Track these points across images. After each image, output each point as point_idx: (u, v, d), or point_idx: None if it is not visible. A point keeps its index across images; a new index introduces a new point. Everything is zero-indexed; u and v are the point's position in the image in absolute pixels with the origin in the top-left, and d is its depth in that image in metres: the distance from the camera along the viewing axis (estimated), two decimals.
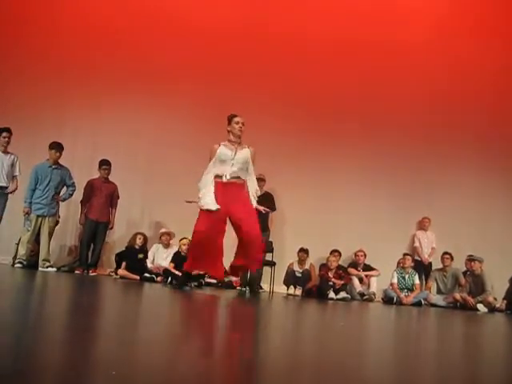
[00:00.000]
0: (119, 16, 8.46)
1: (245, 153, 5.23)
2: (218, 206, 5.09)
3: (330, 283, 7.15)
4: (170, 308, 3.72)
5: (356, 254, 7.85)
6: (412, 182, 8.47)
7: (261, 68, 8.38)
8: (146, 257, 7.42)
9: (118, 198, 7.44)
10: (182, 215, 8.00)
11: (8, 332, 1.63)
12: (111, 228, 7.48)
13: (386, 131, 8.47)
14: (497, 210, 8.48)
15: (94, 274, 7.11)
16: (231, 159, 5.16)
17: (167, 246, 7.52)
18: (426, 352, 2.33)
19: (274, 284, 7.55)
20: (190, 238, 7.31)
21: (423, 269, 8.15)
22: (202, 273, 6.36)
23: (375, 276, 7.68)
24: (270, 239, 7.57)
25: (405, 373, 1.64)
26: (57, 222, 7.10)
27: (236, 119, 5.25)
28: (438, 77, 8.62)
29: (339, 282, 7.18)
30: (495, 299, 7.52)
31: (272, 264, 7.49)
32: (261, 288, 7.38)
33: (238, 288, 7.09)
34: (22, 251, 6.75)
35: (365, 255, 7.80)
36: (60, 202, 7.09)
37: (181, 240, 7.27)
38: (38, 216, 6.82)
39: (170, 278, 6.97)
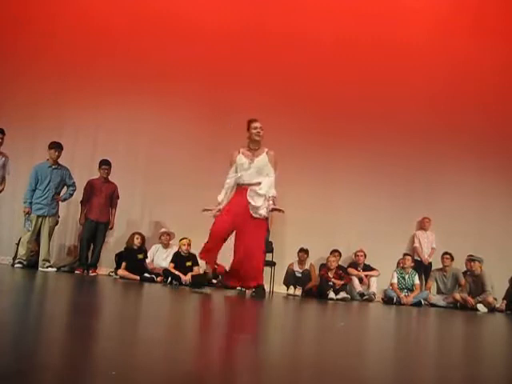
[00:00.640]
0: (119, 16, 8.45)
1: (262, 158, 5.20)
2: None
3: (330, 283, 7.15)
4: (170, 308, 3.72)
5: (356, 254, 7.85)
6: (412, 182, 8.47)
7: (261, 68, 8.37)
8: (145, 257, 7.42)
9: (118, 198, 7.44)
10: (181, 215, 8.03)
11: (8, 332, 1.63)
12: (111, 228, 7.47)
13: (386, 131, 8.47)
14: (497, 210, 8.48)
15: (93, 274, 7.10)
16: (248, 168, 5.16)
17: (167, 246, 7.52)
18: (426, 352, 2.33)
19: (273, 284, 7.55)
20: (189, 238, 7.35)
21: (423, 269, 8.15)
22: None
23: (375, 276, 7.68)
24: (270, 239, 7.57)
25: (405, 373, 1.64)
26: (56, 222, 7.09)
27: (254, 124, 5.22)
28: (437, 77, 8.62)
29: (339, 282, 7.18)
30: (495, 299, 7.52)
31: (272, 264, 7.49)
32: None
33: (237, 288, 7.08)
34: (22, 251, 6.74)
35: (365, 255, 7.80)
36: (59, 202, 7.08)
37: (180, 240, 7.27)
38: (38, 216, 6.81)
39: (169, 278, 6.97)
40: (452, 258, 7.85)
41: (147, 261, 7.37)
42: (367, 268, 7.77)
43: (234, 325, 2.82)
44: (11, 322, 1.84)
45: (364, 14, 8.59)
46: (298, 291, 7.22)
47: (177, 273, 7.00)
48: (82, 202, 7.36)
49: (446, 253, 7.91)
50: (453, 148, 8.55)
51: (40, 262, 6.79)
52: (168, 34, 8.39)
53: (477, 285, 7.60)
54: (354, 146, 8.42)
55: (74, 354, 1.37)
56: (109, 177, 7.38)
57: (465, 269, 7.95)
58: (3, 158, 6.77)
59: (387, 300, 7.52)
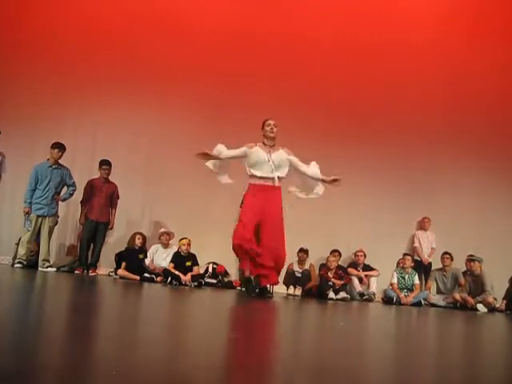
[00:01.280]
0: (119, 16, 8.44)
1: (280, 153, 5.39)
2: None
3: (330, 283, 7.15)
4: (170, 308, 3.72)
5: (356, 254, 7.84)
6: (412, 182, 8.47)
7: (261, 67, 8.37)
8: (146, 257, 7.42)
9: (118, 198, 7.43)
10: (181, 215, 8.03)
11: (8, 332, 1.63)
12: (111, 228, 7.47)
13: (386, 131, 8.46)
14: (497, 210, 8.48)
15: (93, 274, 7.10)
16: (267, 161, 5.30)
17: (166, 245, 7.52)
18: (426, 352, 2.33)
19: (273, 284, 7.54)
20: (189, 237, 7.35)
21: (423, 269, 8.15)
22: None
23: (375, 276, 7.67)
24: None
25: (405, 373, 1.64)
26: (56, 222, 7.09)
27: (267, 122, 5.45)
28: (437, 77, 8.62)
29: (339, 282, 7.18)
30: (495, 299, 7.52)
31: None
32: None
33: (237, 288, 7.09)
34: (21, 251, 6.74)
35: (364, 255, 7.79)
36: (59, 202, 7.08)
37: (180, 240, 7.27)
38: (38, 216, 6.81)
39: (169, 278, 6.97)
40: (452, 258, 7.85)
41: (146, 261, 7.36)
42: (367, 268, 7.77)
43: (234, 325, 2.82)
44: (11, 322, 1.84)
45: (364, 14, 8.58)
46: (298, 291, 7.22)
47: (177, 273, 7.00)
48: (82, 201, 7.36)
49: (445, 253, 7.91)
50: (453, 148, 8.54)
51: (40, 262, 6.79)
52: (168, 33, 8.38)
53: (477, 285, 7.60)
54: (353, 145, 8.41)
55: (74, 354, 1.37)
56: (109, 177, 7.38)
57: (465, 269, 7.94)
58: (0, 157, 6.78)
59: (387, 300, 7.52)
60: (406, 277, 7.65)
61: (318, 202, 8.36)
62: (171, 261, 7.16)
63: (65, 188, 7.11)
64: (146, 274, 7.17)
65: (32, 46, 8.22)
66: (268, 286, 5.53)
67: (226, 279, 7.57)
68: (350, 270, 7.73)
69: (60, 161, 7.01)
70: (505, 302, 7.53)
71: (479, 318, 5.92)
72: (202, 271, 7.38)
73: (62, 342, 1.60)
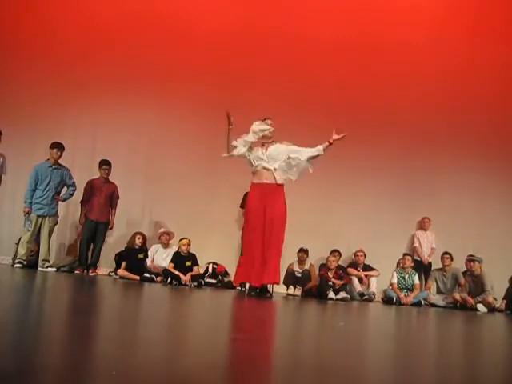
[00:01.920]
0: (119, 16, 8.44)
1: (277, 147, 5.70)
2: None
3: (330, 283, 7.15)
4: (170, 308, 3.72)
5: (356, 254, 7.84)
6: (412, 182, 8.46)
7: (261, 67, 8.36)
8: (146, 257, 7.41)
9: (118, 198, 7.43)
10: (181, 215, 8.04)
11: (8, 332, 1.63)
12: (111, 228, 7.47)
13: (386, 131, 8.45)
14: (497, 210, 8.48)
15: (93, 274, 7.10)
16: (263, 156, 5.62)
17: (166, 245, 7.51)
18: (426, 352, 2.33)
19: (273, 284, 7.53)
20: (189, 237, 7.35)
21: (423, 269, 8.15)
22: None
23: (375, 276, 7.67)
24: None
25: (404, 373, 1.64)
26: (56, 222, 7.09)
27: (265, 122, 5.77)
28: (437, 77, 8.61)
29: (339, 282, 7.18)
30: (495, 299, 7.52)
31: None
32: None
33: (237, 288, 7.09)
34: (21, 251, 6.74)
35: (364, 255, 7.79)
36: (59, 202, 7.08)
37: (180, 240, 7.27)
38: (38, 216, 6.81)
39: (169, 278, 6.97)
40: (452, 258, 7.84)
41: (148, 261, 7.36)
42: (367, 268, 7.77)
43: (234, 325, 2.82)
44: (11, 322, 1.84)
45: (364, 14, 8.57)
46: (298, 291, 7.22)
47: (177, 273, 7.00)
48: (81, 201, 7.36)
49: (445, 253, 7.91)
50: (453, 148, 8.54)
51: (40, 262, 6.79)
52: (168, 33, 8.38)
53: (476, 285, 7.60)
54: (353, 145, 8.38)
55: (74, 354, 1.37)
56: (109, 177, 7.38)
57: (465, 269, 7.94)
58: (0, 158, 6.78)
59: (387, 300, 7.52)
60: (406, 277, 7.65)
61: (318, 202, 8.39)
62: (171, 261, 7.16)
63: (65, 188, 7.10)
64: (146, 274, 7.17)
65: (32, 46, 8.22)
66: (268, 285, 5.54)
67: (225, 279, 7.56)
68: (350, 270, 7.72)
69: (60, 161, 7.01)
70: (505, 301, 7.53)
71: (479, 318, 5.92)
72: (201, 271, 7.37)
73: (61, 341, 1.60)
